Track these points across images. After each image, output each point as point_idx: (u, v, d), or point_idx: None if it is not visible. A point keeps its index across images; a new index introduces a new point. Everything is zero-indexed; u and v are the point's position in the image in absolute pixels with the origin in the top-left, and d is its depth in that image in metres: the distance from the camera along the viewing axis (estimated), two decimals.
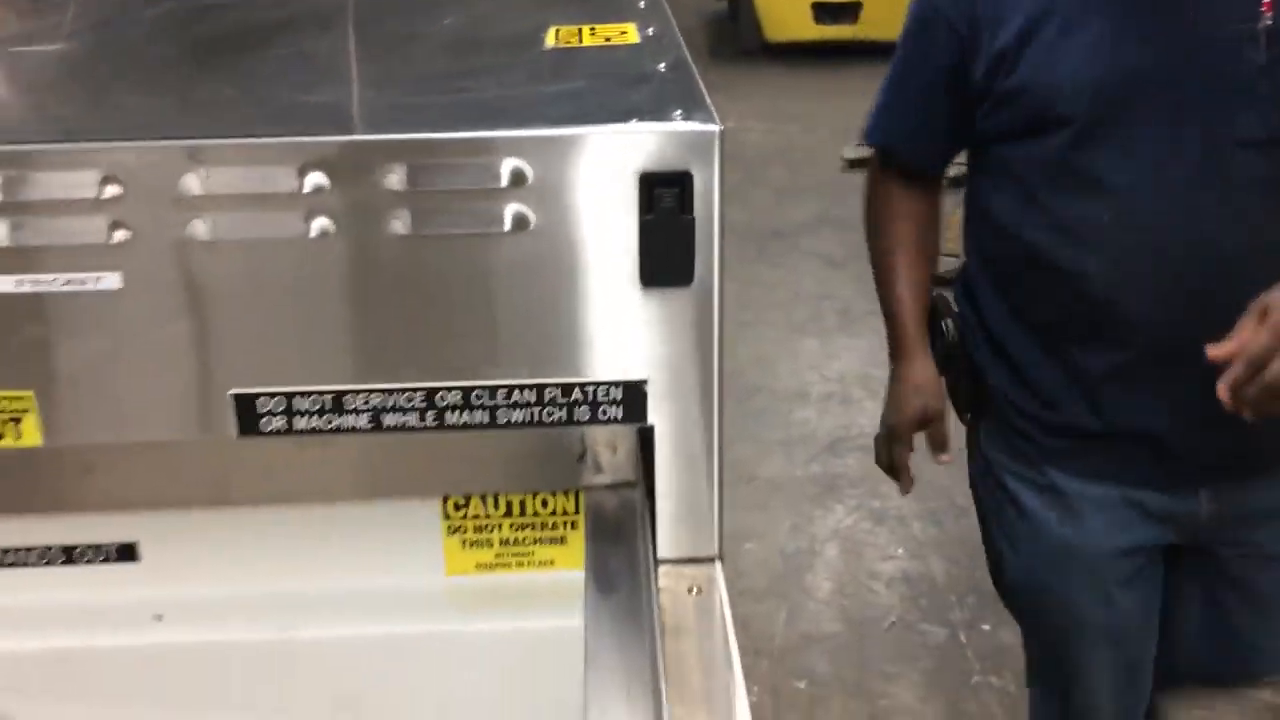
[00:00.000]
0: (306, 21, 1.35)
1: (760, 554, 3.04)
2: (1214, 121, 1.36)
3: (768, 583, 2.94)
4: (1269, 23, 1.32)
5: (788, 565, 3.01)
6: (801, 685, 2.61)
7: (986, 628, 2.77)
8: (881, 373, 4.21)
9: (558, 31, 1.25)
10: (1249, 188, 1.38)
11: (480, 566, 1.26)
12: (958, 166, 5.67)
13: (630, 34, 1.26)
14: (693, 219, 1.01)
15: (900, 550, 3.09)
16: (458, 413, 1.07)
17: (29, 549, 1.22)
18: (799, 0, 7.74)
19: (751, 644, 2.65)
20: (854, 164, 5.97)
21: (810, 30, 7.79)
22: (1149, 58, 1.37)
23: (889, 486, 3.36)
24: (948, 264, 5.08)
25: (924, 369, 1.61)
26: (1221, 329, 1.30)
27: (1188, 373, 1.35)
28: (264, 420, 1.06)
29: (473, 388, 1.06)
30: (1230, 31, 1.34)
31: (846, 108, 7.15)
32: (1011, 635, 2.75)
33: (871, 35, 7.77)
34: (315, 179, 0.99)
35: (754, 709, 0.97)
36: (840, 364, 4.10)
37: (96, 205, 0.99)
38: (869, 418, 3.73)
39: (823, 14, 7.75)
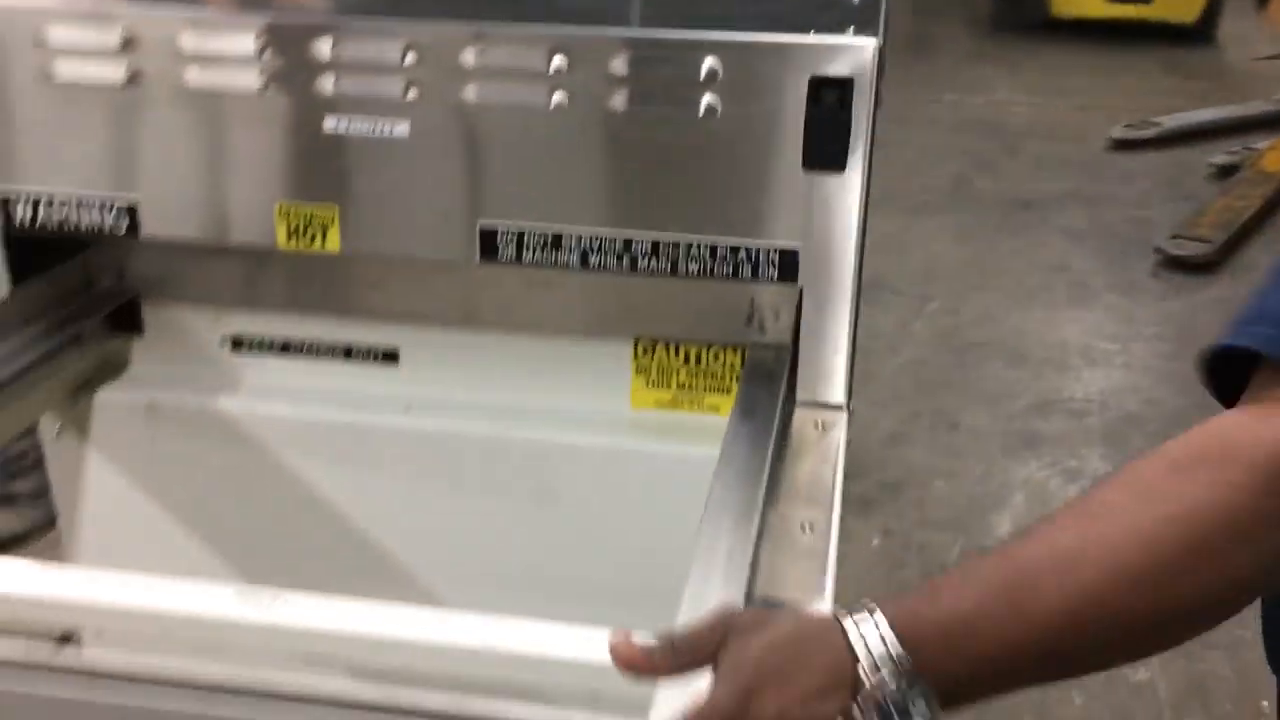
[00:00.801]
0: None
1: (947, 491, 3.12)
2: None
3: (950, 517, 3.01)
4: None
5: (972, 505, 3.08)
6: None
7: None
8: (1105, 345, 4.18)
9: None
10: None
11: (659, 403, 1.49)
12: (1227, 155, 5.55)
13: None
14: (850, 116, 1.20)
15: None
16: (647, 260, 1.30)
17: (319, 343, 1.55)
18: None
19: (924, 568, 2.73)
20: (1120, 145, 5.84)
21: (1100, 8, 7.56)
22: None
23: (1088, 449, 3.43)
24: (1196, 248, 4.95)
25: None
26: None
27: None
28: (500, 250, 1.35)
29: (660, 240, 1.29)
30: None
31: (1122, 88, 6.99)
32: None
33: (1165, 17, 7.49)
34: (558, 61, 1.24)
35: None
36: (1063, 333, 4.06)
37: (397, 69, 1.26)
38: (1083, 385, 3.76)
39: None
